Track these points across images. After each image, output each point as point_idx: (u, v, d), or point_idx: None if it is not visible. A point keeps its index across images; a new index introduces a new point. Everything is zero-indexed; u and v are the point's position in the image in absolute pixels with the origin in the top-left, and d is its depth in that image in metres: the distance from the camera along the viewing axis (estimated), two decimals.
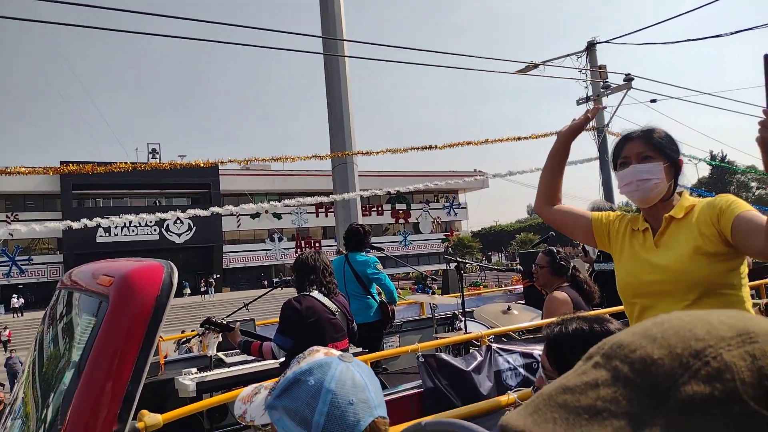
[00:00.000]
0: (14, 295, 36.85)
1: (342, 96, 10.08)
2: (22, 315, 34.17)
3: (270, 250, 49.89)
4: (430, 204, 58.24)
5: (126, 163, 7.01)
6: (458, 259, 3.95)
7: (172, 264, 1.96)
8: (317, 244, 49.37)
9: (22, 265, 41.55)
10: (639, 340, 0.45)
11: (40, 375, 2.60)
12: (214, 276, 41.90)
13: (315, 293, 3.10)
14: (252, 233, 50.06)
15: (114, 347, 1.75)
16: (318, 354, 0.90)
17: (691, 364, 0.39)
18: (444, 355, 2.53)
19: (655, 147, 1.74)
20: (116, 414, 1.69)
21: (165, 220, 41.04)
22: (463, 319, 3.59)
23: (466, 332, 3.39)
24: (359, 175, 10.43)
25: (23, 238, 41.11)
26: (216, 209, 6.98)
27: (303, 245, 50.74)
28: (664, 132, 1.79)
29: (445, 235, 58.03)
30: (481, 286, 20.53)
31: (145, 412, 1.97)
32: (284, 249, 50.34)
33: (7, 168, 5.91)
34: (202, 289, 39.28)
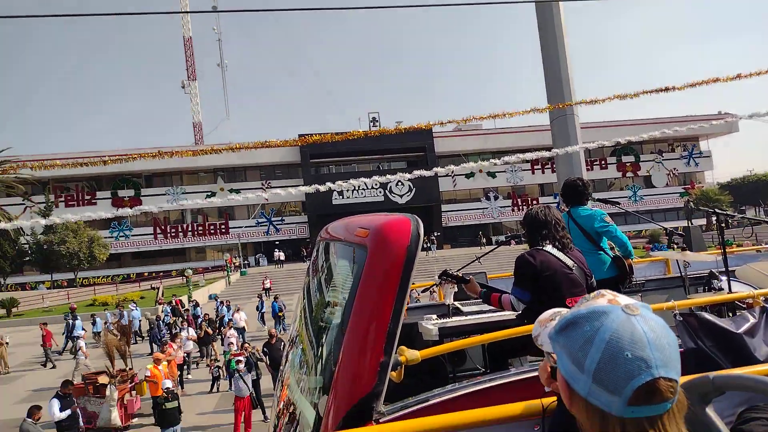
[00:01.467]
0: (276, 250, 43.78)
1: (558, 43, 9.47)
2: (282, 266, 40.45)
3: (486, 208, 50.21)
4: (663, 154, 51.98)
5: (358, 131, 7.63)
6: (717, 210, 3.46)
7: (417, 218, 2.10)
8: (534, 202, 48.06)
9: (277, 224, 49.00)
10: None
11: (311, 317, 3.05)
12: (435, 234, 43.83)
13: (548, 247, 3.03)
14: (467, 193, 50.90)
15: (375, 289, 1.95)
16: (601, 299, 0.87)
17: None
18: (708, 315, 2.28)
19: None
20: (382, 347, 1.90)
21: (388, 182, 44.12)
22: (723, 278, 3.17)
23: (730, 292, 2.99)
24: (581, 128, 9.75)
25: (276, 202, 48.40)
26: (438, 169, 7.25)
27: (519, 203, 49.85)
28: None
29: (684, 188, 51.38)
30: (734, 245, 17.73)
31: (404, 348, 2.17)
32: (500, 207, 50.18)
33: (266, 142, 6.96)
34: (425, 246, 41.40)
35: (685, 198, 48.45)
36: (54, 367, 16.80)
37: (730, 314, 2.80)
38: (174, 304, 22.79)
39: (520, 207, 49.82)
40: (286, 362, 3.57)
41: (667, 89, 10.24)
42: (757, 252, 6.55)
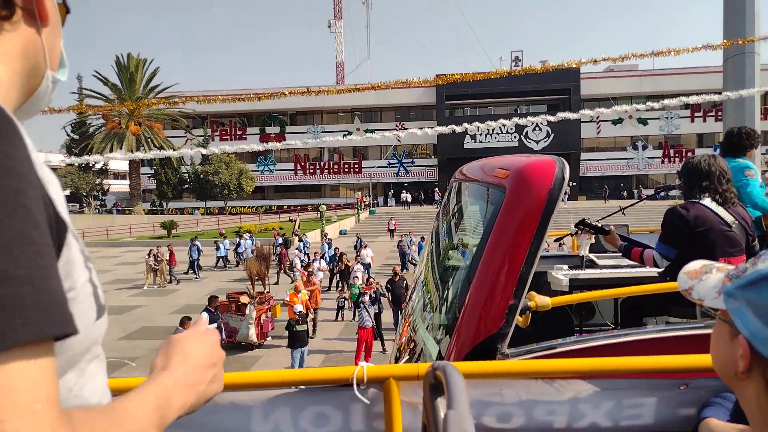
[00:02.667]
0: (403, 191, 44.73)
1: None
2: (409, 208, 41.37)
3: (632, 159, 46.39)
4: None
5: (499, 70, 7.30)
6: None
7: (564, 160, 2.00)
8: (690, 153, 43.36)
9: (407, 166, 49.72)
10: None
11: (439, 258, 3.09)
12: (570, 184, 41.65)
13: (706, 201, 2.75)
14: (613, 140, 47.25)
15: (511, 231, 1.92)
16: None
17: None
18: None
19: None
20: (513, 290, 1.88)
21: (525, 126, 42.31)
22: None
23: None
24: (761, 70, 8.47)
25: (408, 144, 48.91)
26: (584, 111, 6.75)
27: (672, 154, 45.32)
28: None
29: None
30: None
31: (534, 293, 2.13)
32: (648, 158, 46.07)
33: (406, 81, 6.96)
34: None
35: None
36: (178, 282, 19.12)
37: None
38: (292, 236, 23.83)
39: (672, 159, 45.27)
40: (409, 301, 3.69)
41: None
42: None
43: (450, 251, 2.97)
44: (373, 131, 44.05)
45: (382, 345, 10.78)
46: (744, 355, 0.77)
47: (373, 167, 49.82)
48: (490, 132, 43.97)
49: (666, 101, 6.37)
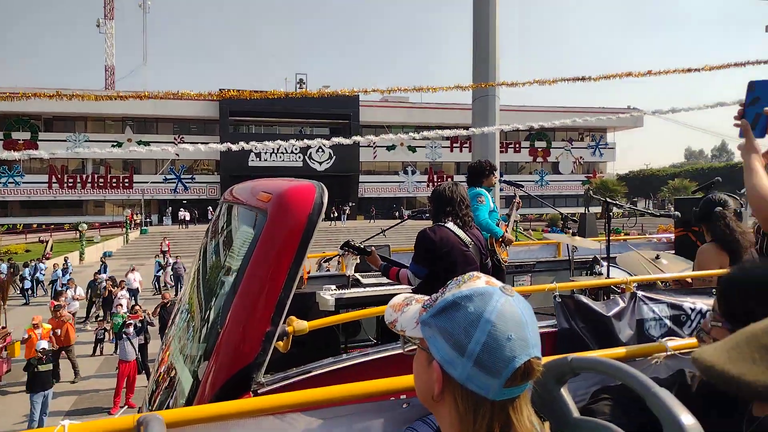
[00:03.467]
0: (181, 209, 41.95)
1: (489, 23, 9.58)
2: (187, 227, 38.91)
3: (403, 182, 50.89)
4: (573, 143, 54.90)
5: (279, 90, 7.38)
6: (607, 200, 3.70)
7: (323, 185, 2.06)
8: (449, 179, 49.21)
9: (186, 183, 46.88)
10: None
11: (204, 279, 2.94)
12: (350, 204, 43.88)
13: (450, 224, 3.11)
14: (387, 165, 51.26)
15: (270, 257, 1.90)
16: (479, 281, 0.86)
17: None
18: (583, 298, 2.44)
19: None
20: (270, 316, 1.86)
21: (309, 147, 43.42)
22: (604, 263, 3.41)
23: (608, 277, 3.23)
24: (500, 110, 10.02)
25: (187, 159, 46.20)
26: (358, 138, 7.19)
27: (435, 179, 51.01)
28: None
29: (586, 176, 54.70)
30: (623, 234, 19.20)
31: (293, 318, 2.14)
32: (417, 182, 51.05)
33: (177, 92, 6.57)
34: (334, 215, 41.26)
35: (586, 186, 51.66)
36: None
37: (605, 298, 3.03)
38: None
39: (435, 183, 50.95)
40: (172, 325, 3.45)
41: (582, 78, 10.72)
42: (648, 240, 7.14)
43: (214, 275, 2.84)
44: (147, 143, 40.56)
45: (148, 379, 9.86)
46: (438, 379, 0.83)
47: (147, 182, 45.78)
48: (275, 151, 44.10)
49: (425, 132, 7.17)
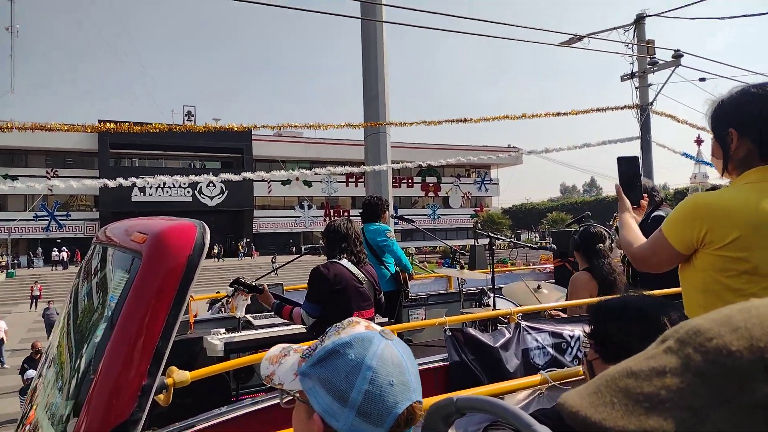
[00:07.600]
0: (55, 249, 38.25)
1: (378, 63, 9.91)
2: (66, 268, 35.48)
3: (299, 217, 50.43)
4: (461, 178, 57.75)
5: (162, 123, 7.05)
6: (490, 234, 3.89)
7: (204, 224, 1.95)
8: (346, 214, 49.63)
9: (60, 220, 42.99)
10: (718, 328, 0.40)
11: (74, 326, 2.67)
12: (245, 240, 42.59)
13: (344, 261, 3.09)
14: (282, 200, 50.60)
15: (145, 303, 1.76)
16: (358, 326, 0.84)
17: None
18: (472, 330, 2.51)
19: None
20: (146, 369, 1.71)
21: (198, 182, 41.75)
22: (491, 295, 3.55)
23: (494, 308, 3.36)
24: (391, 147, 10.33)
25: (62, 194, 42.50)
26: (248, 174, 7.03)
27: (332, 214, 51.11)
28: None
29: (474, 210, 57.60)
30: (509, 264, 20.34)
31: (174, 368, 2.00)
32: (313, 217, 50.80)
33: (47, 124, 6.03)
34: (218, 253, 39.74)
35: (474, 219, 54.41)
36: None
37: (494, 328, 3.14)
38: None
39: (332, 217, 50.98)
40: (39, 377, 3.08)
41: (465, 120, 11.44)
42: (532, 270, 7.57)
43: (84, 322, 2.59)
44: (15, 177, 36.81)
45: None
46: (318, 430, 0.80)
47: (14, 219, 41.33)
48: (162, 186, 41.87)
49: (317, 169, 7.17)
